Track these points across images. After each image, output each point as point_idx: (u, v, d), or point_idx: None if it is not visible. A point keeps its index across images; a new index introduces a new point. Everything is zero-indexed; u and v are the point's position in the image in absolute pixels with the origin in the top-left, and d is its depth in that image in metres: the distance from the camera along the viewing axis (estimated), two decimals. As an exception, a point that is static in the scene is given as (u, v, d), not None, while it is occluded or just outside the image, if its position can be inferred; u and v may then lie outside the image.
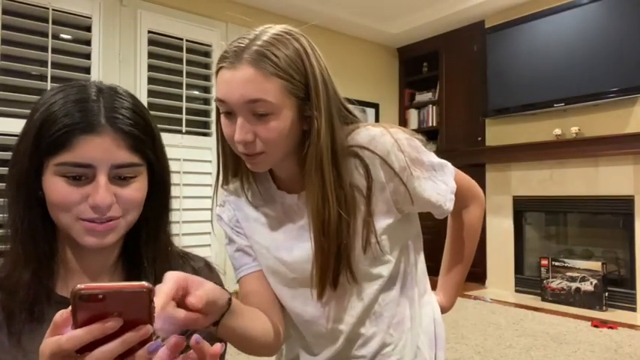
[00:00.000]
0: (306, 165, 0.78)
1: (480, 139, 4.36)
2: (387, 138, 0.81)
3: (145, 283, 0.46)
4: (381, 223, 0.84)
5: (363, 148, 0.81)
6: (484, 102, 4.18)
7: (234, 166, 0.88)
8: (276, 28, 0.77)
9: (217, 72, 0.76)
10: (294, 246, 0.85)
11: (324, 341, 0.90)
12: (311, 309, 0.87)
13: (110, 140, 0.63)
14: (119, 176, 0.65)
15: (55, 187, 0.63)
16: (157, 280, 0.67)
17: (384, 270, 0.87)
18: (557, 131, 3.80)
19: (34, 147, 0.62)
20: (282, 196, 0.88)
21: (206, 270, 0.79)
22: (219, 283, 0.80)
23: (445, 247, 1.07)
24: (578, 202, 3.80)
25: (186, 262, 0.77)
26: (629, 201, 3.50)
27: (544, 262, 3.81)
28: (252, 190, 0.90)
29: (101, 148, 0.62)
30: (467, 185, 0.98)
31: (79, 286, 0.43)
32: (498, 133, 4.21)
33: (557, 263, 3.76)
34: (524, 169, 4.01)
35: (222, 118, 0.78)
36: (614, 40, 3.44)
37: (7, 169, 0.67)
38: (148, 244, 0.71)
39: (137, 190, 0.66)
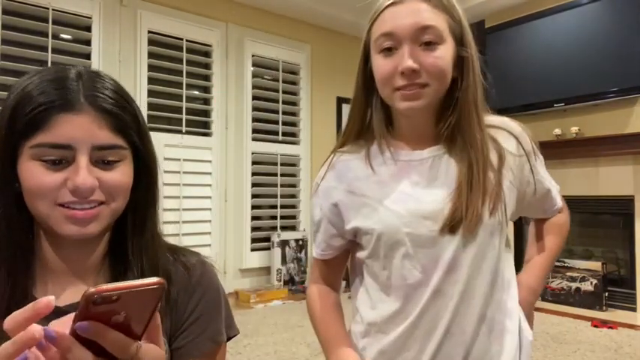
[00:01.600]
0: (461, 103, 0.83)
1: (480, 139, 4.37)
2: (516, 124, 0.91)
3: (158, 280, 0.43)
4: (509, 205, 0.85)
5: (497, 127, 0.89)
6: (484, 102, 4.17)
7: (360, 127, 0.90)
8: None
9: (379, 14, 0.82)
10: (409, 199, 0.83)
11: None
12: (417, 273, 0.82)
13: (90, 119, 0.58)
14: (102, 160, 0.60)
15: (32, 172, 0.57)
16: (143, 274, 0.64)
17: (496, 253, 0.84)
18: (557, 131, 3.80)
19: (8, 130, 0.58)
20: (399, 153, 0.86)
21: (199, 267, 0.73)
22: (214, 280, 0.74)
23: (528, 245, 1.04)
24: (578, 202, 3.79)
25: (177, 258, 0.71)
26: (629, 201, 3.50)
27: (544, 262, 3.81)
28: (373, 147, 0.89)
29: (81, 128, 0.57)
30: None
31: (91, 290, 0.40)
32: (498, 133, 4.21)
33: (557, 263, 3.76)
34: (524, 169, 4.01)
35: (379, 58, 0.81)
36: (614, 40, 3.44)
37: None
38: (134, 237, 0.66)
39: (122, 174, 0.61)
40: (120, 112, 0.61)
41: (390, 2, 0.80)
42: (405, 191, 0.83)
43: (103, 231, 0.63)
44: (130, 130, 0.62)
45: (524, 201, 0.90)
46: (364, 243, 0.87)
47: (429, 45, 0.78)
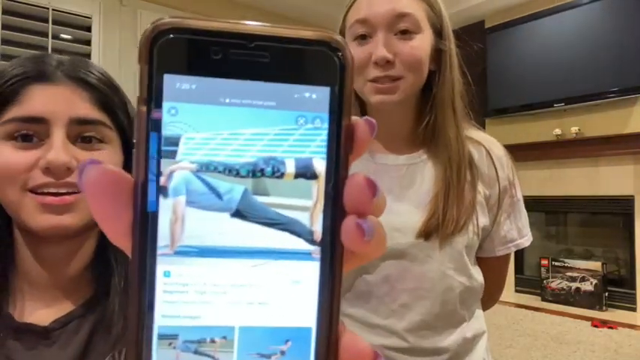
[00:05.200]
0: (438, 99, 0.78)
1: (480, 139, 4.36)
2: (499, 146, 0.83)
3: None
4: (480, 220, 0.78)
5: (477, 142, 0.81)
6: (484, 102, 4.18)
7: None
8: None
9: (354, 0, 0.78)
10: None
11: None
12: (382, 285, 0.78)
13: (69, 91, 0.51)
14: (82, 137, 0.52)
15: (1, 153, 0.49)
16: (127, 284, 0.56)
17: (465, 279, 0.78)
18: (557, 131, 3.80)
19: None
20: (374, 154, 0.82)
21: None
22: None
23: None
24: (578, 202, 3.79)
25: None
26: (629, 201, 3.50)
27: (544, 262, 3.81)
28: None
29: (57, 98, 0.50)
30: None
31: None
32: (498, 133, 4.21)
33: (557, 263, 3.76)
34: (524, 169, 4.01)
35: (353, 46, 0.75)
36: (614, 40, 3.44)
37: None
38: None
39: (106, 158, 0.52)
40: (105, 88, 0.53)
41: None
42: None
43: (84, 228, 0.53)
44: (117, 110, 0.54)
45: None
46: None
47: (405, 34, 0.73)
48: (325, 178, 0.20)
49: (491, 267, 0.86)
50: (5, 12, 2.95)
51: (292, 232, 0.20)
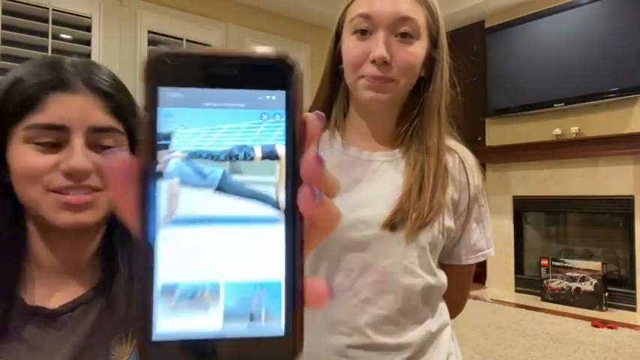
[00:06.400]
0: (426, 105, 0.79)
1: (479, 139, 4.36)
2: (472, 156, 0.85)
3: None
4: (446, 220, 0.80)
5: (452, 150, 0.83)
6: (484, 102, 4.18)
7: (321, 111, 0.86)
8: None
9: None
10: (347, 200, 0.77)
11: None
12: (343, 277, 0.78)
13: (87, 100, 0.55)
14: (98, 143, 0.56)
15: (22, 156, 0.53)
16: (131, 279, 0.59)
17: (429, 277, 0.79)
18: (557, 131, 3.80)
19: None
20: (349, 148, 0.82)
21: None
22: None
23: None
24: (578, 202, 3.79)
25: None
26: (629, 201, 3.50)
27: (544, 262, 3.81)
28: (324, 133, 0.83)
29: (76, 108, 0.54)
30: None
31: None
32: (498, 133, 4.21)
33: (557, 263, 3.76)
34: (524, 169, 4.01)
35: (352, 40, 0.77)
36: (614, 40, 3.44)
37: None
38: (123, 233, 0.61)
39: None
40: (117, 95, 0.58)
41: None
42: (344, 190, 0.76)
43: (99, 223, 0.57)
44: (128, 115, 0.59)
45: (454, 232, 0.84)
46: None
47: (405, 37, 0.74)
48: (285, 159, 0.26)
49: (459, 275, 0.88)
50: (5, 12, 2.95)
51: (262, 202, 0.25)
